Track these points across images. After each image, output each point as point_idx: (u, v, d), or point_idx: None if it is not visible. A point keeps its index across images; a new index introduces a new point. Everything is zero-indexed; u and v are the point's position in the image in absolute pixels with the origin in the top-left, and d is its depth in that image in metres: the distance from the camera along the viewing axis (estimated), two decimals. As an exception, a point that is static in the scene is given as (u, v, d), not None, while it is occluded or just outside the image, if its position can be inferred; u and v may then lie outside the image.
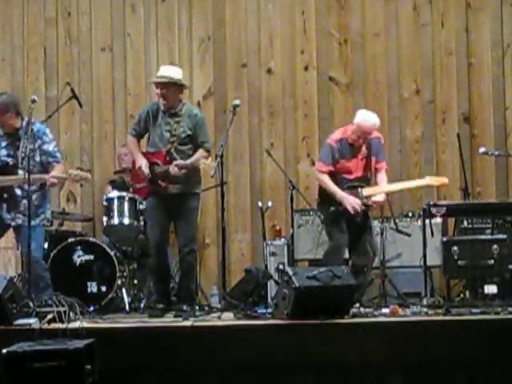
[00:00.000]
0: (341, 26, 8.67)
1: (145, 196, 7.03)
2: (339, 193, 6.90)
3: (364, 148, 7.00)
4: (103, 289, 7.32)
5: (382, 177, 7.06)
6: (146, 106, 7.13)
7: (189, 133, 6.85)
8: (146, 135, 7.02)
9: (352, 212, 6.84)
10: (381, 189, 6.98)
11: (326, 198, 7.00)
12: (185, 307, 6.66)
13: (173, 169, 6.73)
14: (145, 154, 6.92)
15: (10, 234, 8.17)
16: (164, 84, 6.83)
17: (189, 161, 6.78)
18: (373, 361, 5.65)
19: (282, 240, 7.90)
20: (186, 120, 6.87)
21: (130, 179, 7.32)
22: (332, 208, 6.95)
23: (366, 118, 6.95)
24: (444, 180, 7.14)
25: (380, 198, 6.95)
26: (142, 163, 6.80)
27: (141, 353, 5.65)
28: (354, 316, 6.02)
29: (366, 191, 6.92)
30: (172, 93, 6.86)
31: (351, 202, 6.85)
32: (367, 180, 7.02)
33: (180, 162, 6.76)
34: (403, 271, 7.67)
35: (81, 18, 8.76)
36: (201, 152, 6.83)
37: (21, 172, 6.54)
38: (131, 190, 7.59)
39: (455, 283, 7.43)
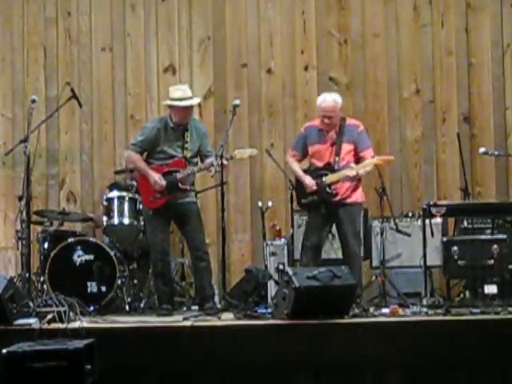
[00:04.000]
0: (341, 26, 8.67)
1: (157, 208, 7.01)
2: (299, 172, 7.06)
3: (333, 133, 6.98)
4: (103, 289, 7.32)
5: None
6: (152, 124, 7.22)
7: (198, 145, 7.05)
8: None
9: (308, 191, 6.95)
10: (338, 174, 6.89)
11: (297, 191, 7.13)
12: (211, 305, 6.85)
13: (215, 161, 6.75)
14: (155, 169, 7.01)
15: (10, 233, 8.21)
16: (191, 106, 7.07)
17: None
18: (373, 361, 5.65)
19: (282, 240, 7.90)
20: (194, 134, 7.05)
21: (140, 194, 7.32)
22: (303, 201, 7.03)
23: (325, 97, 7.05)
24: (389, 158, 7.15)
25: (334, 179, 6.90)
26: (156, 176, 6.92)
27: (141, 353, 5.65)
28: (354, 316, 6.02)
29: (327, 179, 6.91)
30: (192, 111, 7.16)
31: (307, 181, 6.96)
32: (332, 167, 6.94)
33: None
34: (403, 271, 7.66)
35: (81, 18, 8.76)
36: (210, 159, 6.92)
37: None
38: (132, 190, 7.63)
39: (455, 283, 7.42)
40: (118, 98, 8.71)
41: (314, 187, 6.93)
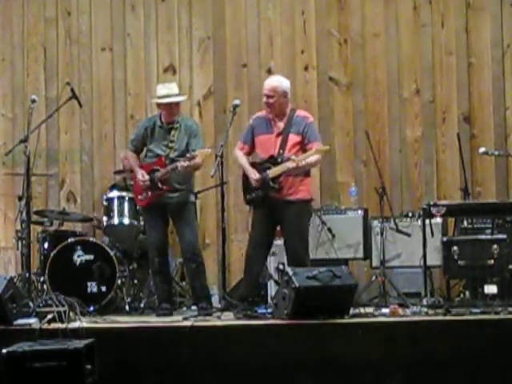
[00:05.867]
0: (341, 26, 8.66)
1: (146, 206, 7.11)
2: (246, 166, 6.78)
3: (281, 123, 6.78)
4: (103, 289, 7.32)
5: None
6: (142, 123, 7.32)
7: (185, 144, 7.01)
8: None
9: (254, 184, 6.68)
10: (281, 167, 6.64)
11: (243, 185, 6.85)
12: (204, 305, 6.85)
13: (181, 165, 6.80)
14: (143, 167, 7.08)
15: (10, 233, 8.21)
16: (177, 103, 7.05)
17: (192, 162, 6.82)
18: (373, 361, 5.65)
19: (282, 240, 7.88)
20: (182, 132, 7.04)
21: (133, 192, 7.38)
22: (248, 196, 6.81)
23: (271, 77, 6.98)
24: (325, 148, 6.86)
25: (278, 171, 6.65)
26: (139, 173, 7.00)
27: (141, 353, 5.65)
28: (354, 316, 6.02)
29: (271, 173, 6.67)
30: (179, 108, 7.09)
31: (252, 175, 6.70)
32: (275, 160, 6.70)
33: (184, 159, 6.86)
34: (403, 271, 7.66)
35: (81, 18, 8.76)
36: (198, 159, 6.88)
37: None
38: (132, 190, 7.63)
39: (455, 283, 7.42)
40: (118, 97, 8.72)
41: (259, 181, 6.66)
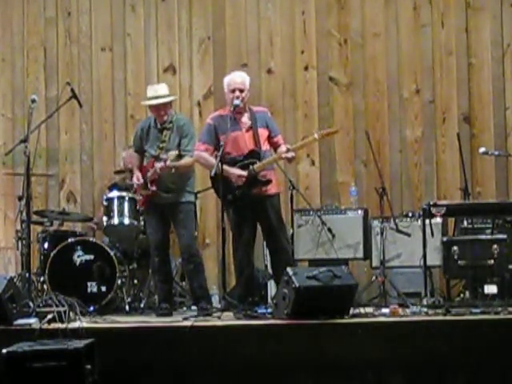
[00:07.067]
0: (341, 26, 8.67)
1: (143, 205, 7.22)
2: (224, 166, 6.59)
3: (246, 118, 6.83)
4: (103, 289, 7.32)
5: (280, 149, 6.77)
6: (139, 124, 7.40)
7: (177, 144, 7.01)
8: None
9: (238, 183, 6.64)
10: (269, 159, 6.70)
11: (222, 185, 6.56)
12: (204, 305, 6.86)
13: (160, 166, 6.85)
14: (142, 168, 7.16)
15: (10, 233, 8.21)
16: (164, 104, 7.03)
17: (173, 163, 6.85)
18: (373, 361, 5.65)
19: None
20: (174, 132, 7.05)
21: (134, 191, 7.43)
22: (229, 196, 6.71)
23: (234, 73, 7.01)
24: (333, 129, 6.95)
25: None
26: (135, 175, 7.11)
27: (141, 353, 5.65)
28: (354, 316, 6.02)
29: (257, 167, 6.67)
30: (167, 109, 7.08)
31: (237, 172, 6.65)
32: (258, 154, 6.71)
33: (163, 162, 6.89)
34: (403, 271, 7.66)
35: (81, 18, 8.78)
36: (186, 159, 6.93)
37: None
38: (132, 190, 7.65)
39: (455, 283, 7.42)
40: (118, 97, 8.73)
41: (246, 178, 6.63)
